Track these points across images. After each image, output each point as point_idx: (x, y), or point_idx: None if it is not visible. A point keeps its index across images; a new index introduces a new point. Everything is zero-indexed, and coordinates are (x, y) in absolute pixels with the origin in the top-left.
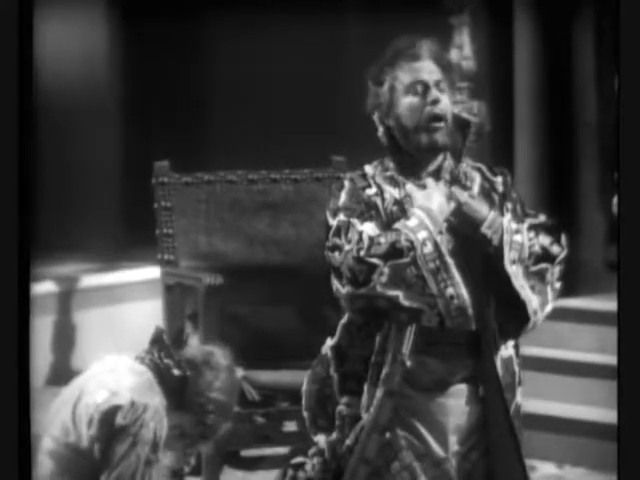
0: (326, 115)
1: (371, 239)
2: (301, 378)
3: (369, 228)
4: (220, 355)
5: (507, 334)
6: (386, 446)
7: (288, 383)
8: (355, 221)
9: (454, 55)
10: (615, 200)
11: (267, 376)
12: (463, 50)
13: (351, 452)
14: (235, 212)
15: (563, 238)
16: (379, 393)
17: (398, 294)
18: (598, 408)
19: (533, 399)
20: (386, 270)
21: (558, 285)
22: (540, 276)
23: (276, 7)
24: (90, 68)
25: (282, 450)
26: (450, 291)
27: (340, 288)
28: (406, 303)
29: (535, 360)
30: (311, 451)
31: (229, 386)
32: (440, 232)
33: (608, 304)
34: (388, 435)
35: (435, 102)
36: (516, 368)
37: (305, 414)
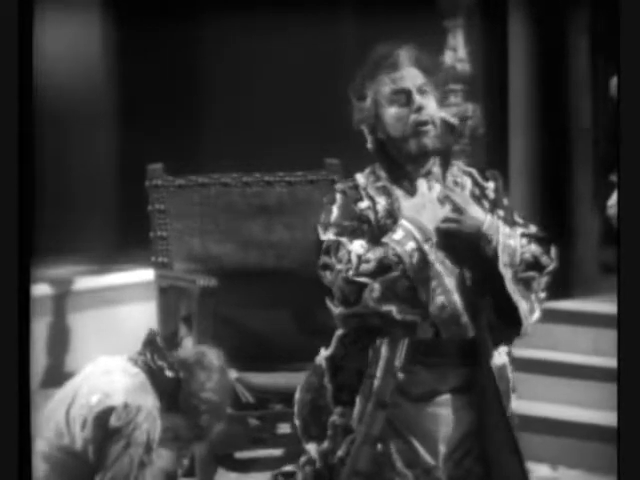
0: (320, 118)
1: (359, 257)
2: (295, 380)
3: (358, 246)
4: (213, 356)
5: (499, 341)
6: (377, 457)
7: (282, 385)
8: (344, 240)
9: (448, 58)
10: (609, 202)
11: (261, 378)
12: (457, 52)
13: (343, 463)
14: (229, 215)
15: (553, 251)
16: (371, 405)
17: (391, 309)
18: (592, 410)
19: (526, 401)
20: (377, 286)
21: (543, 296)
22: (527, 284)
23: (270, 11)
24: (85, 70)
25: (276, 452)
26: (441, 299)
27: (333, 308)
28: (399, 317)
29: (528, 362)
30: (302, 460)
31: (222, 386)
32: (428, 239)
33: (603, 306)
34: (380, 447)
35: (419, 109)
36: (510, 375)
37: (297, 422)
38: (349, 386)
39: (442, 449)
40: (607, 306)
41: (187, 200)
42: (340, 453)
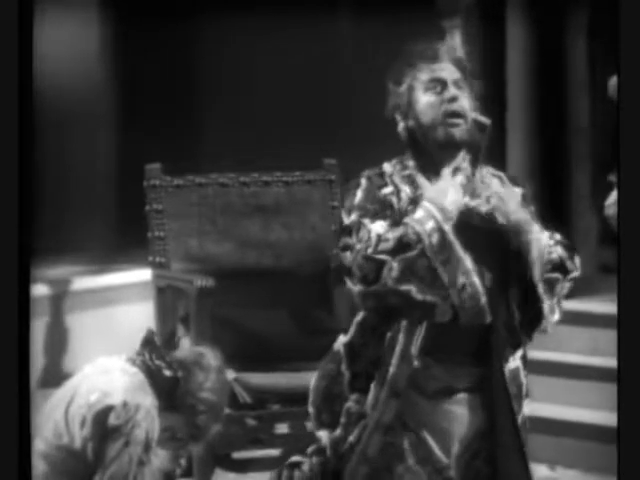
0: (318, 118)
1: (379, 236)
2: (293, 380)
3: (378, 226)
4: (210, 356)
5: (518, 341)
6: (388, 446)
7: (280, 385)
8: (366, 220)
9: None
10: (607, 202)
11: (259, 378)
12: (456, 53)
13: (353, 450)
14: (227, 215)
15: (577, 259)
16: (384, 392)
17: (410, 288)
18: (592, 410)
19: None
20: (396, 265)
21: (562, 303)
22: (550, 285)
23: (268, 11)
24: (84, 70)
25: (273, 452)
26: (462, 280)
27: (352, 287)
28: (419, 297)
29: (528, 362)
30: (311, 449)
31: (219, 387)
32: (449, 219)
33: (601, 306)
34: (391, 436)
35: (453, 99)
36: (523, 380)
37: (310, 409)
38: (366, 373)
39: (455, 447)
40: (607, 306)
41: (185, 200)
42: (351, 439)
